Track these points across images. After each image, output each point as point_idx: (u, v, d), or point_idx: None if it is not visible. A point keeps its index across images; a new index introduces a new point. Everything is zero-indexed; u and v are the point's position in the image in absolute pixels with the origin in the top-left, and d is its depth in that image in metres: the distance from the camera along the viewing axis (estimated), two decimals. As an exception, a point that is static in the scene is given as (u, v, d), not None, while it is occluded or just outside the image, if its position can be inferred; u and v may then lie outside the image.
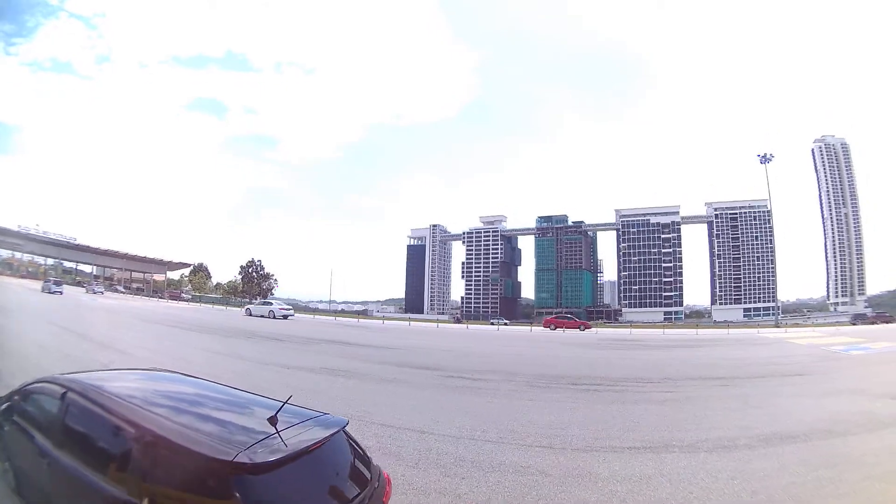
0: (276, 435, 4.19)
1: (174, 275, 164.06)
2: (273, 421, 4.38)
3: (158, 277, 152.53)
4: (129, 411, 4.50)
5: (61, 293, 60.03)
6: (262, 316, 52.87)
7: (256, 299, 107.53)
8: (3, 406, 6.11)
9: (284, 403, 4.80)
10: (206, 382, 6.39)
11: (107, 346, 20.52)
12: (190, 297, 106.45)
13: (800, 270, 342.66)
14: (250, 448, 3.83)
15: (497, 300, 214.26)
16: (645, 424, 11.73)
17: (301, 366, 19.48)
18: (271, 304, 59.13)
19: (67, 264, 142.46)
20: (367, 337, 38.99)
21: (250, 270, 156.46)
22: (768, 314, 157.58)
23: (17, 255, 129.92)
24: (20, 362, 14.54)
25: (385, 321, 79.18)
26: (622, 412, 13.08)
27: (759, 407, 14.25)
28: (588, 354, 30.76)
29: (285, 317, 53.32)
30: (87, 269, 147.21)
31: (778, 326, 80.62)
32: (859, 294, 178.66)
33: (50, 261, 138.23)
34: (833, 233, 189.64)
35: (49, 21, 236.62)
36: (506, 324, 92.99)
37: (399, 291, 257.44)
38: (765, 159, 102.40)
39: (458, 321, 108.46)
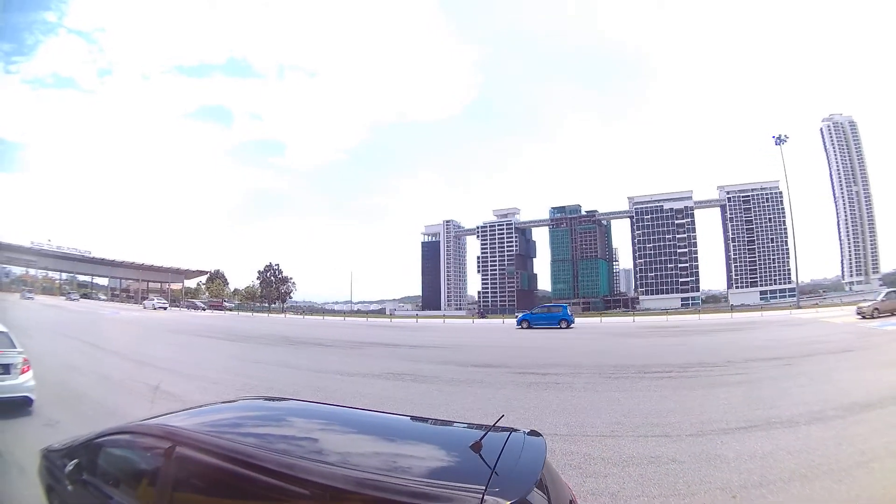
0: (496, 464, 3.29)
1: (191, 283, 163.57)
2: (477, 448, 3.49)
3: (175, 286, 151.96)
4: (305, 470, 3.29)
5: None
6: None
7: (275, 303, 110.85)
8: (71, 465, 4.79)
9: (491, 427, 3.92)
10: (345, 409, 5.65)
11: (145, 364, 20.95)
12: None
13: (812, 251, 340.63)
14: (490, 486, 2.95)
15: (514, 293, 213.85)
16: (737, 406, 12.49)
17: (364, 372, 19.64)
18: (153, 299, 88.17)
19: (82, 278, 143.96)
20: (410, 337, 39.36)
21: (268, 275, 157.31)
22: (784, 296, 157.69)
23: (31, 271, 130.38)
24: (58, 391, 14.33)
25: (418, 319, 79.57)
26: (708, 396, 13.77)
27: (828, 382, 15.33)
28: (637, 343, 31.47)
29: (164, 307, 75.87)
30: (102, 281, 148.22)
31: (799, 308, 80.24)
32: (873, 272, 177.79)
33: (64, 275, 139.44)
34: (845, 211, 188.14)
35: (48, 38, 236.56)
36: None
37: (415, 289, 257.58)
38: (779, 140, 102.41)
39: (482, 316, 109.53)
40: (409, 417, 5.77)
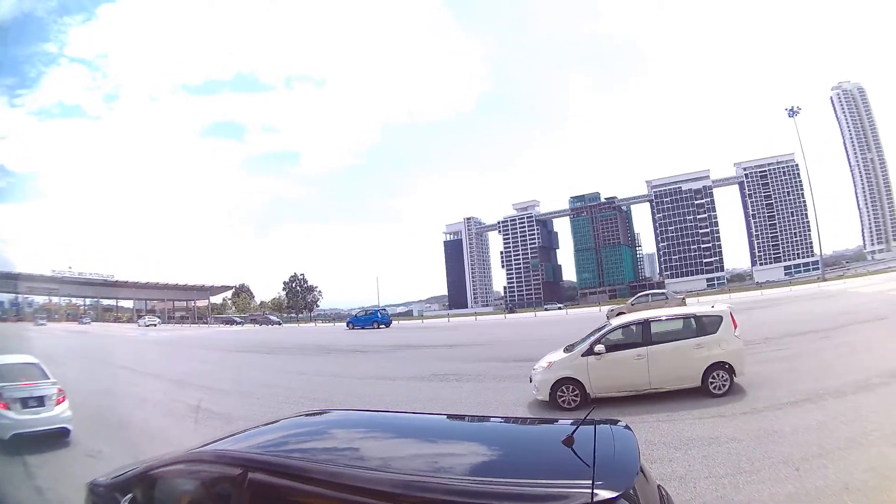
0: (594, 457, 3.23)
1: (217, 299, 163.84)
2: (569, 442, 3.42)
3: (201, 303, 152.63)
4: (397, 484, 3.13)
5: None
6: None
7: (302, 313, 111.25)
8: (126, 500, 4.38)
9: (582, 421, 3.76)
10: (411, 415, 5.71)
11: (184, 384, 20.97)
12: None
13: (832, 222, 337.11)
14: (595, 480, 2.87)
15: (539, 285, 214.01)
16: (784, 381, 12.86)
17: (408, 375, 19.98)
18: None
19: (106, 302, 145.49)
20: (445, 337, 39.73)
21: (294, 285, 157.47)
22: (808, 270, 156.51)
23: (55, 299, 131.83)
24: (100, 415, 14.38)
25: (450, 319, 79.54)
26: (753, 373, 13.64)
27: (867, 351, 15.79)
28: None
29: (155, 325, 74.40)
30: (127, 304, 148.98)
31: (825, 280, 79.88)
32: (894, 239, 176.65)
33: (88, 300, 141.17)
34: (861, 179, 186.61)
35: (50, 69, 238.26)
36: (560, 307, 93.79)
37: (440, 289, 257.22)
38: (792, 112, 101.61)
39: (511, 311, 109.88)
40: (479, 418, 5.83)
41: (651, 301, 40.13)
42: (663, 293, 44.45)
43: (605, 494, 2.73)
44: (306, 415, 5.80)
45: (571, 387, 12.76)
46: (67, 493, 7.85)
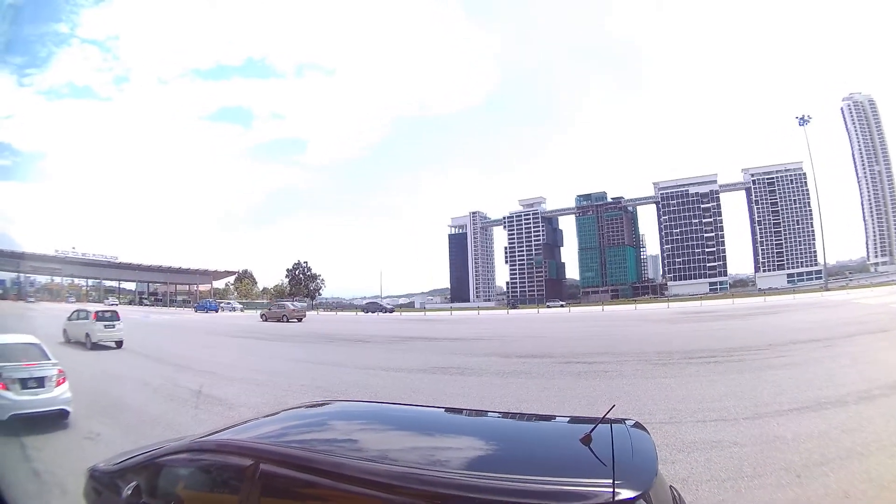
0: (613, 456, 3.16)
1: (219, 283, 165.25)
2: (587, 441, 3.34)
3: (203, 288, 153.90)
4: (415, 479, 3.03)
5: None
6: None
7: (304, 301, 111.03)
8: (130, 487, 4.14)
9: (600, 420, 3.71)
10: (418, 408, 5.68)
11: (185, 368, 20.61)
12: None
13: (837, 232, 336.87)
14: (616, 478, 2.83)
15: (542, 283, 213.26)
16: (786, 388, 12.97)
17: (410, 367, 19.82)
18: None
19: (109, 283, 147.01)
20: (448, 330, 39.69)
21: (297, 272, 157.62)
22: (811, 278, 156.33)
23: (57, 279, 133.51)
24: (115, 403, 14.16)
25: (453, 312, 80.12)
26: (758, 379, 14.19)
27: (869, 362, 15.88)
28: (677, 329, 31.86)
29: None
30: (130, 286, 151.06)
31: (828, 290, 79.80)
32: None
33: (91, 281, 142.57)
34: (868, 191, 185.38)
35: (62, 49, 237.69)
36: (562, 305, 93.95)
37: (443, 282, 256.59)
38: (803, 121, 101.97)
39: (513, 306, 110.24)
40: (494, 413, 5.72)
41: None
42: None
43: (625, 494, 2.69)
44: (310, 406, 5.60)
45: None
46: (65, 477, 7.85)
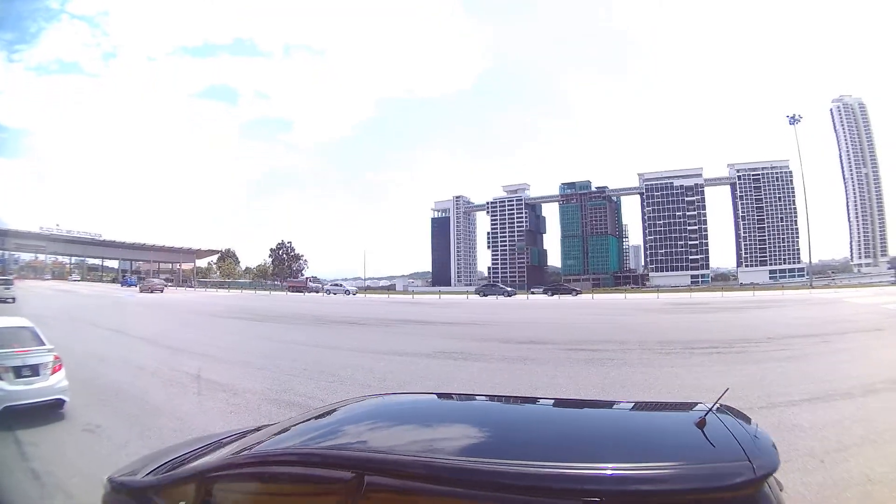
0: (733, 439, 3.10)
1: (202, 262, 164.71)
2: (702, 424, 3.25)
3: (187, 266, 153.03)
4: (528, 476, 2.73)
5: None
6: None
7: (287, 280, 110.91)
8: None
9: (714, 404, 3.71)
10: (487, 398, 5.61)
11: (180, 350, 20.04)
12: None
13: (821, 231, 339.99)
14: (749, 457, 2.78)
15: (524, 269, 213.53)
16: (794, 380, 13.23)
17: (411, 351, 19.58)
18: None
19: (92, 261, 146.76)
20: (439, 314, 39.82)
21: (280, 252, 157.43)
22: (794, 276, 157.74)
23: (41, 256, 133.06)
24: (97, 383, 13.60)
25: (441, 296, 79.72)
26: (763, 370, 14.30)
27: (868, 358, 16.38)
28: (671, 319, 32.27)
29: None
30: (113, 264, 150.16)
31: (812, 288, 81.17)
32: (882, 255, 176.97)
33: (74, 259, 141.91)
34: (854, 193, 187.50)
35: (51, 25, 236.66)
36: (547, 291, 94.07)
37: (424, 265, 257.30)
38: (793, 120, 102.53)
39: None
40: (584, 402, 5.60)
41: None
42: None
43: (764, 471, 2.72)
44: (358, 401, 4.77)
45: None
46: (67, 478, 7.41)
